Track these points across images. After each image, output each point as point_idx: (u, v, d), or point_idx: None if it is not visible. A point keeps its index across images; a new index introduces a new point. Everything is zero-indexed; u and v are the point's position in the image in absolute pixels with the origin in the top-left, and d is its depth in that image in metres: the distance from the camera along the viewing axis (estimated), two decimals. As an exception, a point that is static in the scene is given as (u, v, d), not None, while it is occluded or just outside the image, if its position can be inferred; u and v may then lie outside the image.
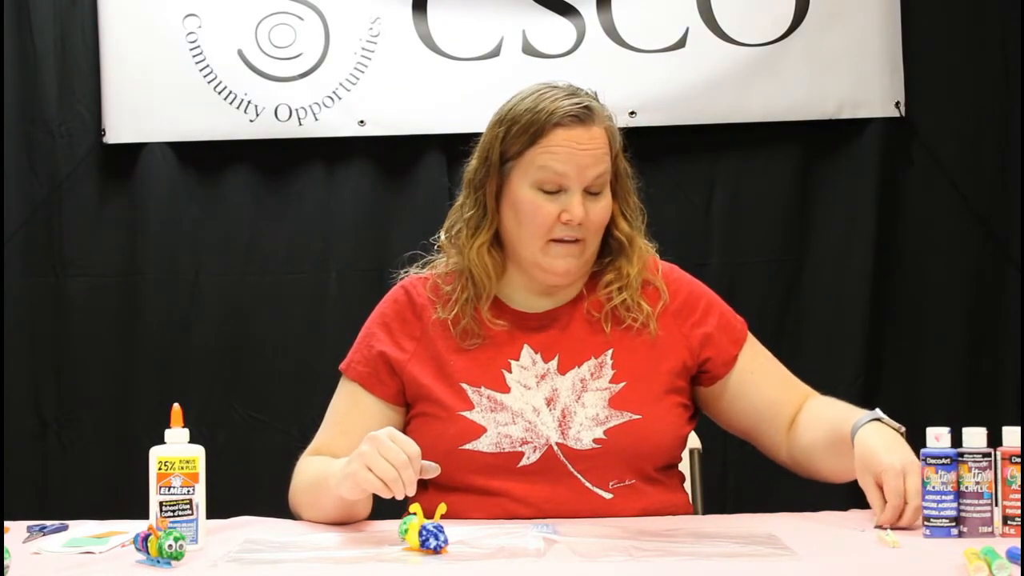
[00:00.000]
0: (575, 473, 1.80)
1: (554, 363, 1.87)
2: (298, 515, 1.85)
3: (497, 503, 1.79)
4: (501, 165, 1.86)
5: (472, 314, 1.88)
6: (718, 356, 1.91)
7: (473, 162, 1.91)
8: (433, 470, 1.63)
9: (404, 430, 1.86)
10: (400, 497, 1.58)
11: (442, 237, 1.97)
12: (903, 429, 1.73)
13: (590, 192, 1.84)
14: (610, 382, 1.85)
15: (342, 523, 1.74)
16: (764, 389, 1.92)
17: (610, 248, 1.92)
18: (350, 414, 1.92)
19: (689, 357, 1.90)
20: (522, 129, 1.83)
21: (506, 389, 1.85)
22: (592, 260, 1.91)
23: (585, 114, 1.83)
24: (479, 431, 1.82)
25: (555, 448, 1.81)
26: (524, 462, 1.80)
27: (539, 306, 1.92)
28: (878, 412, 1.76)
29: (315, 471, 1.82)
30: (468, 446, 1.81)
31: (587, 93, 1.88)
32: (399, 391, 1.90)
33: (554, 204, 1.83)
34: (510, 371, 1.86)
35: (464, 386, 1.85)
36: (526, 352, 1.88)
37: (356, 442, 1.67)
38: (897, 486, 1.62)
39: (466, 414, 1.83)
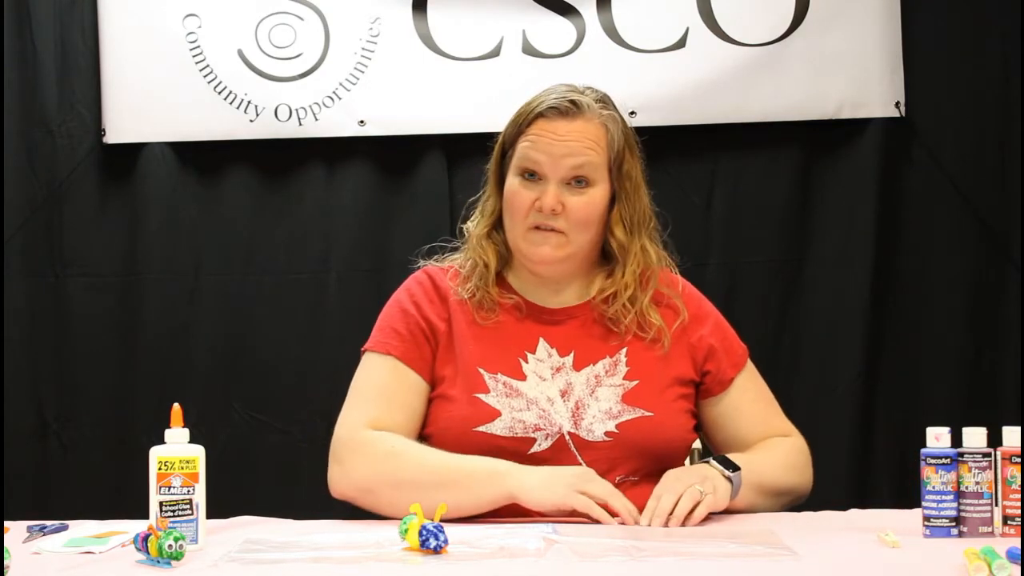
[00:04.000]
0: (583, 464, 1.82)
1: (570, 359, 1.90)
2: (372, 487, 1.80)
3: None
4: (502, 156, 1.95)
5: (484, 290, 1.94)
6: (716, 373, 1.95)
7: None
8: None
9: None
10: (624, 517, 1.67)
11: (469, 225, 2.03)
12: (729, 474, 1.77)
13: (573, 184, 1.87)
14: (624, 379, 1.89)
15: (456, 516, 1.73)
16: (745, 425, 1.96)
17: (611, 254, 1.95)
18: (393, 388, 1.90)
19: (692, 367, 1.93)
20: (515, 120, 1.93)
21: (522, 377, 1.88)
22: (585, 258, 1.94)
23: (568, 107, 1.88)
24: (494, 414, 1.84)
25: (567, 437, 1.83)
26: (535, 448, 1.83)
27: (550, 303, 1.96)
28: (712, 460, 1.82)
29: (441, 458, 1.79)
30: (482, 428, 1.83)
31: (593, 92, 1.94)
32: (431, 365, 1.91)
33: (531, 191, 1.89)
34: (526, 361, 1.89)
35: (481, 371, 1.88)
36: (542, 345, 1.91)
37: (406, 418, 1.83)
38: (662, 483, 1.73)
39: (481, 396, 1.86)
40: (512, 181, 1.91)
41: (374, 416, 1.87)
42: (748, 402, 1.97)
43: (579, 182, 1.88)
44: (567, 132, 1.87)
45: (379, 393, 1.90)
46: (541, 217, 1.88)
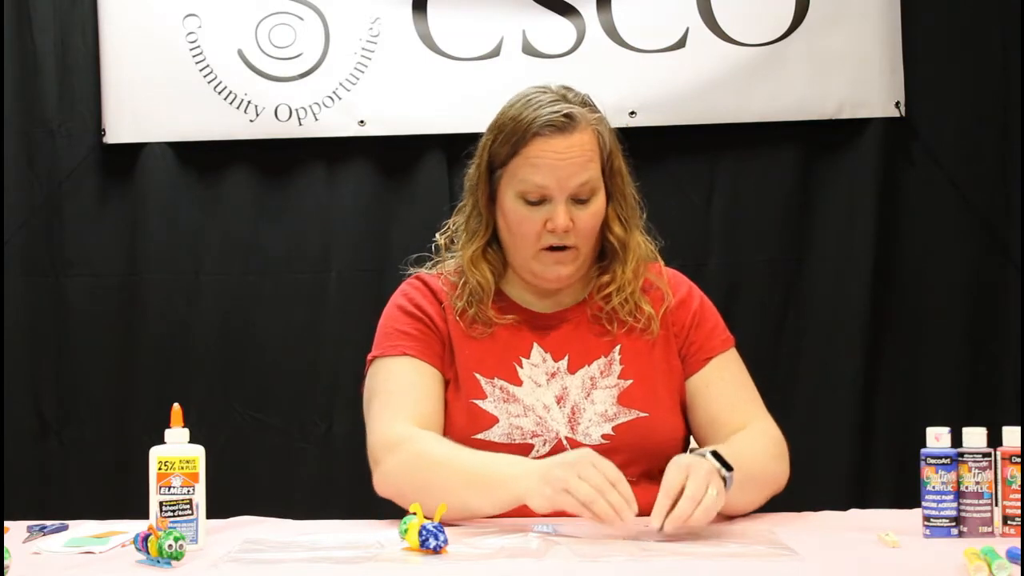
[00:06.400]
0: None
1: (564, 362, 1.90)
2: (402, 489, 1.76)
3: None
4: (490, 173, 1.89)
5: (478, 306, 1.91)
6: (696, 351, 1.92)
7: (471, 167, 1.94)
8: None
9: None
10: (610, 520, 1.56)
11: (438, 238, 1.99)
12: (726, 474, 1.66)
13: (577, 199, 1.85)
14: (619, 378, 1.88)
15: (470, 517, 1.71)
16: (711, 405, 1.91)
17: (606, 251, 1.94)
18: (415, 383, 1.87)
19: (677, 342, 1.92)
20: (505, 138, 1.85)
21: (518, 382, 1.88)
22: (588, 262, 1.93)
23: (565, 123, 1.82)
24: (491, 420, 1.84)
25: (564, 442, 1.83)
26: (534, 454, 1.83)
27: (544, 307, 1.95)
28: (705, 451, 1.71)
29: (464, 461, 1.75)
30: (480, 436, 1.83)
31: (575, 95, 1.88)
32: (442, 359, 1.89)
33: (538, 214, 1.85)
34: (521, 366, 1.89)
35: (478, 376, 1.88)
36: (536, 351, 1.91)
37: (434, 408, 1.81)
38: (673, 478, 1.60)
39: (478, 402, 1.86)
40: (514, 205, 1.86)
41: (404, 413, 1.84)
42: (718, 380, 1.92)
43: (583, 196, 1.86)
44: (567, 148, 1.82)
45: (402, 390, 1.87)
46: (554, 238, 1.85)
